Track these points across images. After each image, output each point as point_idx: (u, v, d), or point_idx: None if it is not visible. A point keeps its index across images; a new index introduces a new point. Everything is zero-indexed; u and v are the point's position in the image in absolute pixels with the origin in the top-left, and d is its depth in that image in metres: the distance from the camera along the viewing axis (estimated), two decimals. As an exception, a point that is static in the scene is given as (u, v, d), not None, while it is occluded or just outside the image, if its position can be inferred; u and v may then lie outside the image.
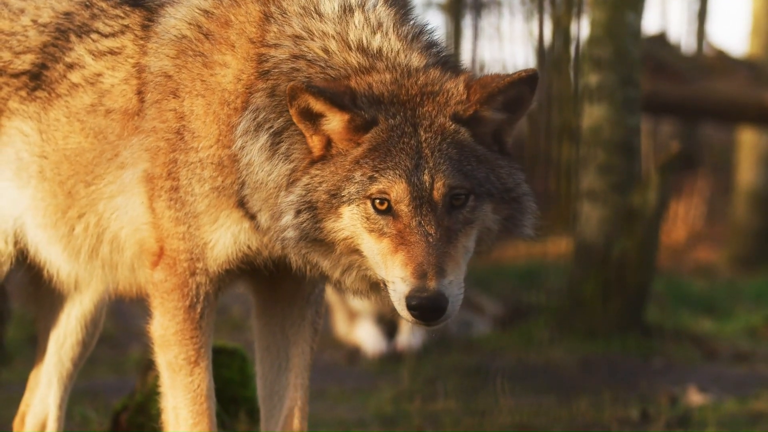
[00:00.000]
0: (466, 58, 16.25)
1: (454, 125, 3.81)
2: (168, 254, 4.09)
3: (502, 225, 3.88)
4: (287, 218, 3.87)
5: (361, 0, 4.00)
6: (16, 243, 4.45)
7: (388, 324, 9.28)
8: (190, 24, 4.13)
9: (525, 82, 3.81)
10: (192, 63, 4.08)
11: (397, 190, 3.75)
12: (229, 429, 5.53)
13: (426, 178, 3.74)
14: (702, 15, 18.84)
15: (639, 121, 8.90)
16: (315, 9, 4.00)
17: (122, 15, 4.29)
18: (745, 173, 14.24)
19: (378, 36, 3.93)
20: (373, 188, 3.77)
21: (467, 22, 17.69)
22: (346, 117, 3.82)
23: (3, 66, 4.38)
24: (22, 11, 4.42)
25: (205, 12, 4.13)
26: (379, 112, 3.81)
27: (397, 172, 3.75)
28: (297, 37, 3.97)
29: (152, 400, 5.32)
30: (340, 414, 6.70)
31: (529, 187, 3.91)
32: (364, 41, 3.93)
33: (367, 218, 3.78)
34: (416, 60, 3.91)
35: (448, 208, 3.76)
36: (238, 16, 4.07)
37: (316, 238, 3.86)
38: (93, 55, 4.28)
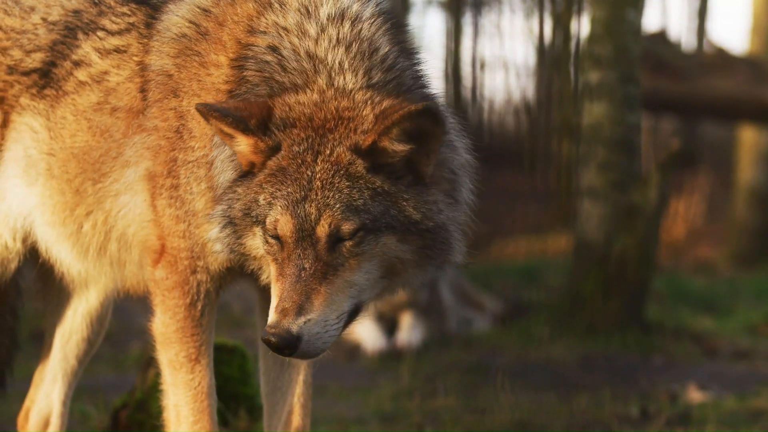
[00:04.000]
0: (466, 55, 16.26)
1: (350, 156, 3.72)
2: (169, 252, 4.09)
3: (420, 254, 3.78)
4: (214, 231, 3.88)
5: (356, 13, 3.93)
6: (24, 240, 4.45)
7: (388, 321, 9.30)
8: (190, 22, 4.13)
9: (419, 115, 3.67)
10: (190, 62, 4.08)
11: (284, 220, 3.71)
12: (231, 426, 5.53)
13: (311, 210, 3.69)
14: (702, 12, 18.86)
15: (639, 119, 8.91)
16: (313, 9, 3.97)
17: (128, 13, 4.30)
18: (745, 171, 14.25)
19: (338, 51, 3.86)
20: (268, 215, 3.74)
21: (467, 20, 17.69)
22: (251, 141, 3.79)
23: (14, 64, 4.38)
24: (33, 9, 4.42)
25: (204, 10, 4.13)
26: (287, 137, 3.76)
27: (286, 202, 3.71)
28: (285, 29, 3.95)
29: (152, 398, 5.33)
30: (339, 411, 6.71)
31: (448, 216, 3.79)
32: (323, 53, 3.87)
33: (266, 241, 3.78)
34: (351, 81, 3.82)
35: (333, 243, 3.69)
36: (233, 15, 4.06)
37: (243, 253, 3.87)
38: (99, 53, 4.28)
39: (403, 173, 3.76)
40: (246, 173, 3.83)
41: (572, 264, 8.92)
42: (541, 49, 15.35)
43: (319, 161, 3.72)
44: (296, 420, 4.30)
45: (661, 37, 12.58)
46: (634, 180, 8.67)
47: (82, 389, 5.71)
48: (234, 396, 5.59)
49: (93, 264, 4.35)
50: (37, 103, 4.35)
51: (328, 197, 3.69)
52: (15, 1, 4.45)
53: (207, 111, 3.77)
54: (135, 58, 4.22)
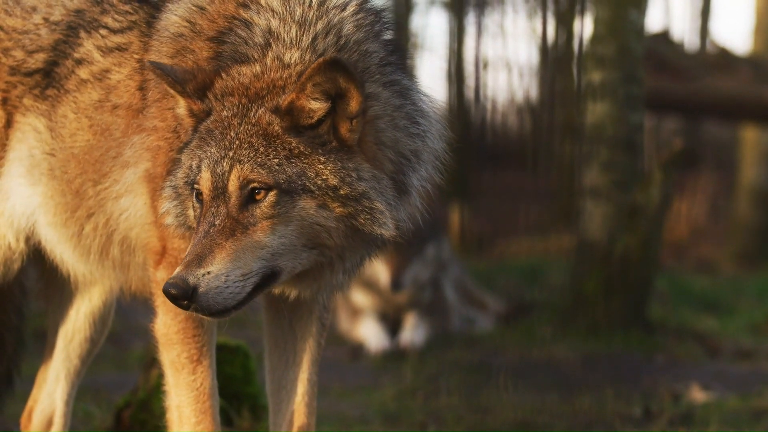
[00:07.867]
0: (469, 55, 16.27)
1: (269, 116, 3.75)
2: (170, 253, 4.09)
3: (345, 223, 3.76)
4: (165, 204, 3.91)
5: (335, 2, 3.94)
6: (27, 240, 4.46)
7: (392, 321, 9.30)
8: (186, 21, 4.13)
9: (327, 67, 3.67)
10: (185, 62, 4.08)
11: (203, 178, 3.75)
12: (234, 425, 5.53)
13: (226, 167, 3.72)
14: (705, 12, 18.84)
15: (642, 119, 8.91)
16: None
17: (131, 11, 4.31)
18: (748, 170, 14.25)
19: (294, 29, 3.88)
20: (196, 176, 3.78)
21: (470, 20, 17.68)
22: (186, 103, 3.87)
23: (17, 65, 4.38)
24: (34, 9, 4.42)
25: (200, 8, 4.12)
26: (219, 104, 3.81)
27: (207, 162, 3.75)
28: (263, 7, 3.95)
29: (155, 397, 5.33)
30: (342, 410, 6.71)
31: (373, 186, 3.77)
32: (282, 31, 3.89)
33: (193, 207, 3.82)
34: (296, 56, 3.84)
35: (244, 201, 3.71)
36: (224, 11, 4.06)
37: (189, 226, 3.89)
38: (101, 50, 4.29)
39: (328, 139, 3.77)
40: (188, 141, 3.88)
41: (575, 263, 8.92)
42: (544, 49, 15.36)
43: (243, 124, 3.77)
44: (301, 418, 4.29)
45: (663, 36, 12.57)
46: (636, 180, 8.67)
47: (84, 389, 5.71)
48: (237, 395, 5.59)
49: (95, 266, 4.35)
50: (40, 104, 4.35)
51: (242, 154, 3.72)
52: (16, 1, 4.44)
53: (153, 68, 3.88)
54: (135, 56, 4.23)
